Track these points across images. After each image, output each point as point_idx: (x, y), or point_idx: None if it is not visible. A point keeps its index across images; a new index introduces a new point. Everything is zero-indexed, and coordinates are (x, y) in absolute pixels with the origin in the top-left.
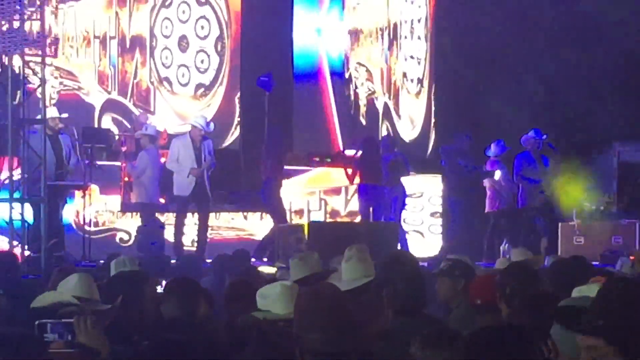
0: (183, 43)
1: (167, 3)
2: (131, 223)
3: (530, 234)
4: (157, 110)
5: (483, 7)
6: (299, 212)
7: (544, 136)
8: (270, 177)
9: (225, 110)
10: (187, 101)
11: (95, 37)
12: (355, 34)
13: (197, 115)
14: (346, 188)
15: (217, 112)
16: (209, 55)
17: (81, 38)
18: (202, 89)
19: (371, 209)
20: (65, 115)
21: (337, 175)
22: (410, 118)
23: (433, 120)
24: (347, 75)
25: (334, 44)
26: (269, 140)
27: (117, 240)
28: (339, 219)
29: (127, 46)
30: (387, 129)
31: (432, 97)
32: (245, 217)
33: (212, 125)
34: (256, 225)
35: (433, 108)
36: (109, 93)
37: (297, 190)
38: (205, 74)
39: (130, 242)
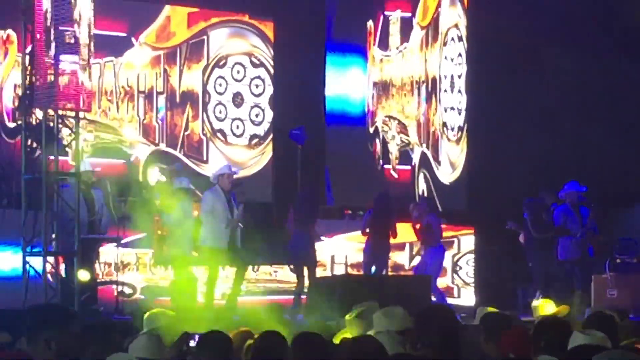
0: (238, 99)
1: (221, 63)
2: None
3: (566, 285)
4: (210, 159)
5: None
6: (357, 266)
7: (583, 188)
8: (300, 230)
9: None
10: (241, 150)
11: (139, 92)
12: (383, 87)
13: (219, 165)
14: (411, 244)
15: (271, 159)
16: (263, 110)
17: (122, 92)
18: (257, 139)
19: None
20: (98, 169)
21: (401, 231)
22: (451, 162)
23: (467, 165)
24: (371, 130)
25: (357, 96)
26: (300, 194)
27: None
28: (402, 273)
29: (177, 101)
30: (425, 177)
31: (470, 144)
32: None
33: (236, 170)
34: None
35: (469, 153)
36: (156, 145)
37: (354, 246)
38: (259, 125)
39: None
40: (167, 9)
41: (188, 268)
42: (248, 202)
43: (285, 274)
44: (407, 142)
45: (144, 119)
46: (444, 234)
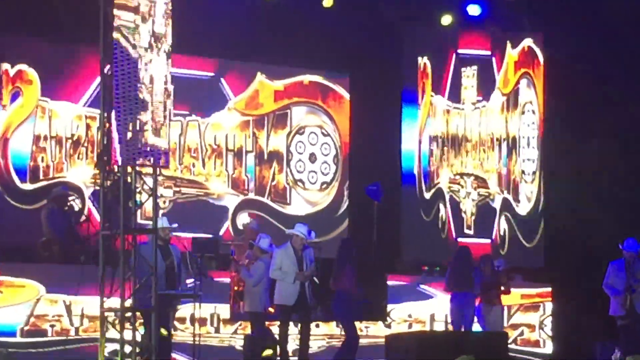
0: (312, 157)
1: (300, 131)
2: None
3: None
4: (292, 201)
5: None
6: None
7: (639, 247)
8: (343, 289)
9: (338, 196)
10: (314, 193)
11: (228, 150)
12: (452, 142)
13: (298, 224)
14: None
15: (333, 198)
16: (329, 165)
17: (209, 150)
18: (325, 184)
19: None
20: (175, 225)
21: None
22: (527, 197)
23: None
24: (428, 195)
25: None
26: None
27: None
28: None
29: (265, 158)
30: (506, 217)
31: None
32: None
33: (313, 234)
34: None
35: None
36: (245, 195)
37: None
38: (327, 175)
39: None
40: (256, 84)
41: (264, 324)
42: (325, 260)
43: (377, 330)
44: (486, 194)
45: (232, 173)
46: (526, 293)
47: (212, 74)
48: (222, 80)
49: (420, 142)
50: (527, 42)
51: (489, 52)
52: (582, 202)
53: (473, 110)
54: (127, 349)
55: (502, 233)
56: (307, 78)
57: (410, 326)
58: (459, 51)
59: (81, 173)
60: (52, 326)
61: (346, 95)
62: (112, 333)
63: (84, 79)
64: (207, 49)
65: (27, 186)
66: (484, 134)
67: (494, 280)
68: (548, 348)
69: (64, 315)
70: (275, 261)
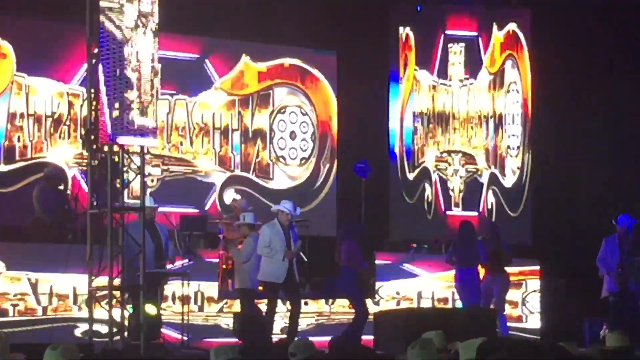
0: (292, 135)
1: (282, 111)
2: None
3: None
4: (275, 176)
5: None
6: (443, 300)
7: (632, 221)
8: (349, 265)
9: (315, 170)
10: (294, 168)
11: (215, 128)
12: (439, 119)
13: (284, 200)
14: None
15: (311, 172)
16: (307, 142)
17: (196, 129)
18: (304, 160)
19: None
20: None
21: None
22: (512, 170)
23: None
24: (412, 176)
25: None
26: (350, 228)
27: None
28: None
29: (250, 136)
30: (494, 191)
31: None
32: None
33: (298, 210)
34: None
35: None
36: (232, 171)
37: (441, 284)
38: (305, 151)
39: None
40: (241, 65)
41: (254, 302)
42: (312, 237)
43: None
44: (474, 170)
45: (219, 151)
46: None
47: (197, 56)
48: (207, 61)
49: (402, 120)
50: (512, 26)
51: (475, 33)
52: (570, 179)
53: (461, 87)
54: (103, 328)
55: (489, 207)
56: (287, 61)
57: (398, 303)
58: (447, 32)
59: (63, 153)
60: (15, 305)
61: (322, 78)
62: (84, 313)
63: (68, 56)
64: (193, 27)
65: (1, 167)
66: (471, 111)
67: (497, 249)
68: (531, 323)
69: (30, 294)
70: (264, 238)
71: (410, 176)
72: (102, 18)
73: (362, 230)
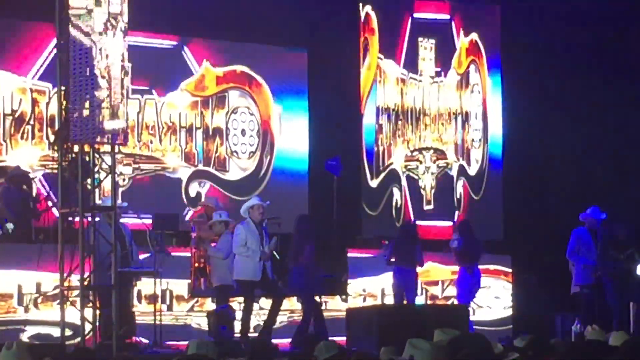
0: (243, 132)
1: (235, 111)
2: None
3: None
4: (230, 169)
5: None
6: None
7: (603, 215)
8: (302, 264)
9: (259, 162)
10: (245, 161)
11: (181, 127)
12: (410, 115)
13: (251, 197)
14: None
15: (257, 164)
16: (254, 137)
17: (165, 127)
18: (251, 153)
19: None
20: (125, 204)
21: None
22: (476, 160)
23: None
24: (374, 184)
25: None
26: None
27: None
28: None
29: (210, 133)
30: (463, 182)
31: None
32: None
33: (267, 202)
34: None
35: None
36: (196, 166)
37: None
38: (252, 146)
39: None
40: (203, 69)
41: (228, 300)
42: (284, 234)
43: (335, 304)
44: (445, 165)
45: (185, 148)
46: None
47: (175, 43)
48: (186, 48)
49: (362, 115)
50: (474, 36)
51: (447, 16)
52: (542, 174)
53: (431, 84)
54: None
55: (458, 196)
56: (239, 68)
57: (364, 300)
58: (415, 15)
59: (27, 155)
60: None
61: (263, 83)
62: (33, 314)
63: (29, 50)
64: (164, 25)
65: None
66: (442, 108)
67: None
68: (500, 317)
69: None
70: (240, 237)
71: (374, 183)
72: (70, 29)
73: (311, 228)
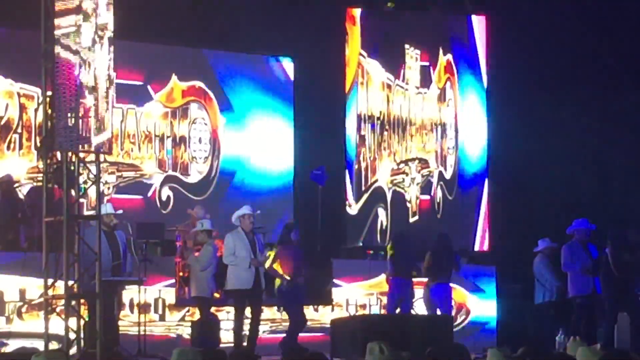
0: (200, 140)
1: (195, 121)
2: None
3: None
4: (191, 172)
5: None
6: (363, 306)
7: (592, 226)
8: (293, 276)
9: (211, 166)
10: (201, 165)
11: (156, 135)
12: (397, 125)
13: (242, 207)
14: None
15: (209, 168)
16: (207, 144)
17: (143, 136)
18: (205, 158)
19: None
20: (120, 211)
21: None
22: (450, 165)
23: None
24: (355, 209)
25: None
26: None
27: None
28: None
29: (177, 141)
30: (441, 186)
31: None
32: (316, 310)
33: (258, 211)
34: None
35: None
36: (166, 172)
37: (360, 291)
38: (206, 152)
39: None
40: (172, 83)
41: (210, 310)
42: (270, 243)
43: (324, 313)
44: (427, 173)
45: (158, 155)
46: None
47: (140, 83)
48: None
49: (344, 123)
50: (449, 57)
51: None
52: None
53: (416, 94)
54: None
55: (438, 200)
56: (197, 84)
57: (347, 309)
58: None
59: (14, 167)
60: None
61: (213, 97)
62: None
63: (19, 55)
64: (144, 35)
65: None
66: (426, 119)
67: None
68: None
69: None
70: (228, 246)
71: (354, 210)
72: (57, 49)
73: (293, 237)
